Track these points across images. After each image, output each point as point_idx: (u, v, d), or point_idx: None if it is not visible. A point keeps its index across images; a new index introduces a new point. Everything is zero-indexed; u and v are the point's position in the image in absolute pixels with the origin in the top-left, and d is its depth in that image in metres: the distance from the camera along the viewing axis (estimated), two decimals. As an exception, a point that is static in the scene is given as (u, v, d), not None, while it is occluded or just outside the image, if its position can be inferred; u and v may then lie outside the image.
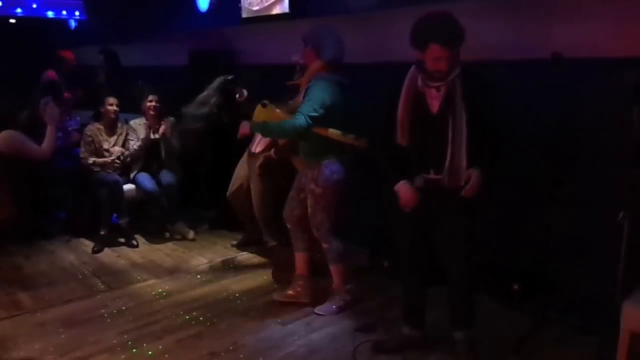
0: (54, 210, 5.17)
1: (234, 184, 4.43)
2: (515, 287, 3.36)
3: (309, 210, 3.34)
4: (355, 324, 3.26)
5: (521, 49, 3.17)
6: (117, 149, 4.82)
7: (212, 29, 5.04)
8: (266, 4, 4.33)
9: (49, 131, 4.52)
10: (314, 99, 3.11)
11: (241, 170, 4.40)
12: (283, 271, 3.94)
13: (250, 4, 4.47)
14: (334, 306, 3.43)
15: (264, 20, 4.40)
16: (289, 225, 3.53)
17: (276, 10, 4.27)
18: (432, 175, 2.64)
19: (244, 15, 4.56)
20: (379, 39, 3.89)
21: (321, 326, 3.27)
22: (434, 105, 2.59)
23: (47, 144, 4.52)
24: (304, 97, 3.19)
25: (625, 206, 2.59)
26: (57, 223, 5.08)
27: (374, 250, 4.06)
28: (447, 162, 2.56)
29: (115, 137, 4.88)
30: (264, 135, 3.40)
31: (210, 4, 4.88)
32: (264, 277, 4.04)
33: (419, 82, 2.62)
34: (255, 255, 4.51)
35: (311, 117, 3.07)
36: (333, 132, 3.13)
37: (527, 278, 3.35)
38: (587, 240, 3.11)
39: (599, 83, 3.00)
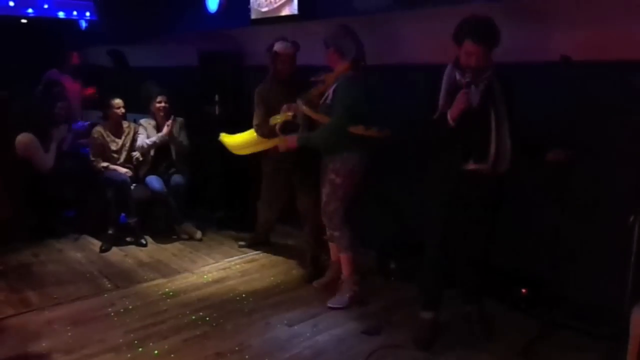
0: (63, 209, 5.21)
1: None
2: (524, 291, 3.34)
3: (324, 198, 3.44)
4: (362, 326, 3.25)
5: (532, 52, 3.16)
6: (126, 170, 4.83)
7: (221, 30, 5.06)
8: (275, 5, 4.34)
9: (52, 148, 4.79)
10: (343, 102, 3.27)
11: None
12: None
13: (259, 5, 4.48)
14: (346, 297, 3.48)
15: (273, 21, 4.40)
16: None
17: (285, 12, 4.27)
18: (471, 165, 2.81)
19: (253, 16, 4.57)
20: (388, 40, 3.88)
21: (327, 328, 3.26)
22: (474, 99, 2.74)
23: (50, 158, 4.77)
24: (332, 97, 3.31)
25: (635, 210, 2.57)
26: (65, 222, 5.11)
27: (381, 252, 4.05)
28: (492, 151, 2.74)
29: (123, 137, 4.90)
30: (309, 146, 3.46)
31: (220, 5, 4.89)
32: (270, 278, 4.04)
33: (457, 77, 2.77)
34: (262, 256, 4.51)
35: (344, 119, 3.25)
36: (359, 129, 3.28)
37: (536, 282, 3.33)
38: (597, 244, 3.09)
39: (609, 86, 2.98)
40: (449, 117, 2.75)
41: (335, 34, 3.36)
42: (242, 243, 4.70)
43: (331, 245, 3.76)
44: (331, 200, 3.42)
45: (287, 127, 3.71)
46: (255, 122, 4.07)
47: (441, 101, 2.79)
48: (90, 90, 6.38)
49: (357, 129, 3.27)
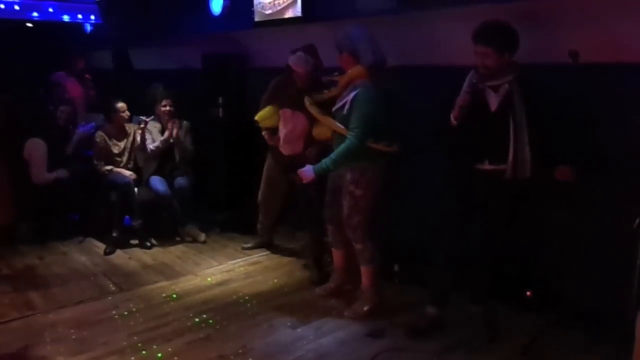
0: (67, 212, 5.22)
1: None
2: (528, 293, 3.32)
3: (346, 211, 3.34)
4: (365, 329, 3.24)
5: (542, 53, 3.13)
6: (130, 173, 4.83)
7: (225, 33, 5.07)
8: (279, 8, 4.34)
9: (53, 175, 4.81)
10: (363, 117, 3.14)
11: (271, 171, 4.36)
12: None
13: (263, 7, 4.49)
14: (364, 308, 3.43)
15: (276, 23, 4.40)
16: (329, 227, 3.60)
17: (289, 14, 4.27)
18: (486, 166, 2.90)
19: (256, 18, 4.57)
20: (391, 42, 3.87)
21: (331, 331, 3.25)
22: (493, 103, 2.85)
23: (47, 177, 4.78)
24: (350, 106, 3.18)
25: (641, 213, 2.56)
26: (70, 224, 5.12)
27: (384, 254, 4.03)
28: (510, 156, 2.79)
29: (124, 140, 4.91)
30: (333, 169, 3.26)
31: (224, 8, 4.90)
32: (274, 280, 4.04)
33: (474, 79, 2.86)
34: (265, 258, 4.50)
35: (364, 134, 3.15)
36: (374, 144, 3.23)
37: (541, 285, 3.31)
38: (603, 247, 3.07)
39: (617, 88, 2.96)
40: (452, 116, 2.84)
41: (349, 37, 3.20)
42: (246, 245, 4.69)
43: (334, 251, 3.70)
44: (353, 214, 3.31)
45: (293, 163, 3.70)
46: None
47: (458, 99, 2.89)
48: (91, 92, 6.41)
49: (374, 144, 3.21)
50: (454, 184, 3.04)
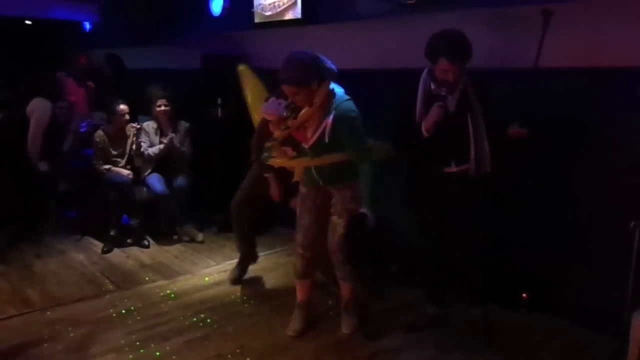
0: (64, 210, 5.23)
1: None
2: (524, 295, 3.35)
3: (339, 230, 3.05)
4: (363, 330, 3.25)
5: (546, 57, 3.15)
6: (128, 172, 4.82)
7: (224, 34, 5.08)
8: (279, 10, 4.36)
9: (42, 166, 4.88)
10: (358, 130, 2.89)
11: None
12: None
13: (263, 9, 4.50)
14: (356, 319, 3.29)
15: (276, 25, 4.42)
16: (307, 253, 3.15)
17: (289, 16, 4.29)
18: (453, 168, 2.92)
19: (256, 20, 4.59)
20: (390, 45, 3.90)
21: (328, 330, 3.26)
22: (451, 105, 2.86)
23: (37, 152, 4.83)
24: (331, 129, 2.86)
25: (635, 216, 2.59)
26: (66, 222, 5.12)
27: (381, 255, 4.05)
28: (472, 153, 2.83)
29: (124, 142, 4.89)
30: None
31: (223, 9, 4.92)
32: (271, 281, 4.05)
33: (432, 87, 2.87)
34: (263, 259, 4.50)
35: (368, 149, 2.97)
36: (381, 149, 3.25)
37: (537, 286, 3.34)
38: (598, 249, 3.10)
39: (613, 91, 3.00)
40: (422, 128, 2.82)
41: (307, 66, 2.79)
42: (232, 277, 4.02)
43: (302, 283, 3.28)
44: (340, 230, 3.05)
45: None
46: None
47: (418, 111, 2.86)
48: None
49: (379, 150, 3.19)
50: (423, 191, 3.02)
